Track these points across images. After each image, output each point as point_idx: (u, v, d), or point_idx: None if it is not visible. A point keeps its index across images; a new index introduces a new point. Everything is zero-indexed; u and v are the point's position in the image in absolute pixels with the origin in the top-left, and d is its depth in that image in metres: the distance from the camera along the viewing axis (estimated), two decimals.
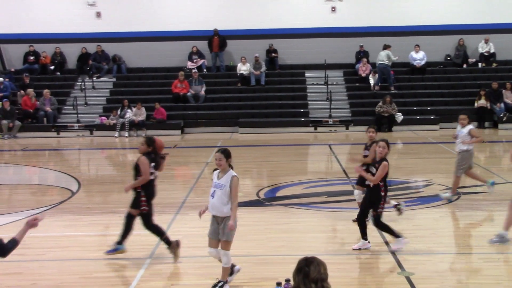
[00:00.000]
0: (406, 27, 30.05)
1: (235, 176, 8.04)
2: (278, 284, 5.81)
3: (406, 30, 29.98)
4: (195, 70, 29.09)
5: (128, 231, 9.62)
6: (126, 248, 9.64)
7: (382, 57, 28.49)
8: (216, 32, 29.63)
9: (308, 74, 30.10)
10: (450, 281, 8.56)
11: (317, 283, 4.57)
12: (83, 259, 9.68)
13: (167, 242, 9.48)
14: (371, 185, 9.61)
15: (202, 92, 28.36)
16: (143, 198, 9.40)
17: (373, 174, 9.60)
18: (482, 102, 26.70)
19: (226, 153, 8.03)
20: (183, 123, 27.26)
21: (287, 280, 5.84)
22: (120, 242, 9.62)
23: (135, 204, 9.47)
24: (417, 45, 29.40)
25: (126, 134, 26.26)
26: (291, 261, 9.14)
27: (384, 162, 9.44)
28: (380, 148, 9.54)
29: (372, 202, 9.67)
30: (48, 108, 27.10)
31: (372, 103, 27.14)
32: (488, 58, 30.03)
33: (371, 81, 28.60)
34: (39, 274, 9.13)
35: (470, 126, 13.13)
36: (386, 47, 28.62)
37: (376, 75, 28.60)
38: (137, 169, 9.48)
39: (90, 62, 29.95)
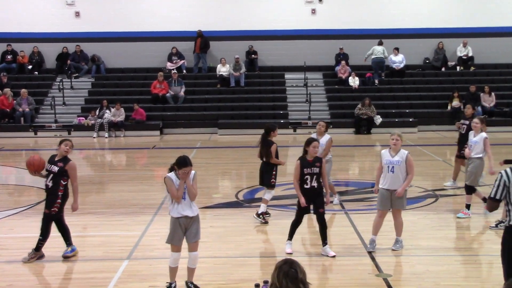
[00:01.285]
0: (385, 30, 30.16)
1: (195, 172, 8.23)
2: (257, 285, 5.79)
3: (386, 33, 30.07)
4: (175, 71, 28.98)
5: (66, 232, 9.76)
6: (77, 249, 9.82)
7: (381, 52, 28.91)
8: (199, 33, 29.51)
9: (287, 76, 30.14)
10: (428, 283, 8.60)
11: (304, 284, 4.59)
12: (60, 261, 9.60)
13: (38, 247, 9.57)
14: (316, 186, 9.61)
15: (182, 93, 28.27)
16: (59, 201, 9.52)
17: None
18: (455, 103, 26.87)
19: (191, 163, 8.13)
20: (162, 124, 27.16)
21: (265, 282, 5.82)
22: (70, 243, 9.76)
23: (49, 204, 9.54)
24: (396, 48, 29.53)
25: (106, 134, 26.09)
26: (269, 263, 9.18)
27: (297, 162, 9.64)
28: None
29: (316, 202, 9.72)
30: (25, 108, 26.86)
31: (351, 105, 27.22)
32: (466, 61, 30.25)
33: (351, 83, 28.69)
34: (16, 275, 9.04)
35: (328, 136, 12.89)
36: (380, 43, 28.94)
37: (357, 77, 28.69)
38: (64, 174, 9.50)
39: (69, 62, 29.72)
